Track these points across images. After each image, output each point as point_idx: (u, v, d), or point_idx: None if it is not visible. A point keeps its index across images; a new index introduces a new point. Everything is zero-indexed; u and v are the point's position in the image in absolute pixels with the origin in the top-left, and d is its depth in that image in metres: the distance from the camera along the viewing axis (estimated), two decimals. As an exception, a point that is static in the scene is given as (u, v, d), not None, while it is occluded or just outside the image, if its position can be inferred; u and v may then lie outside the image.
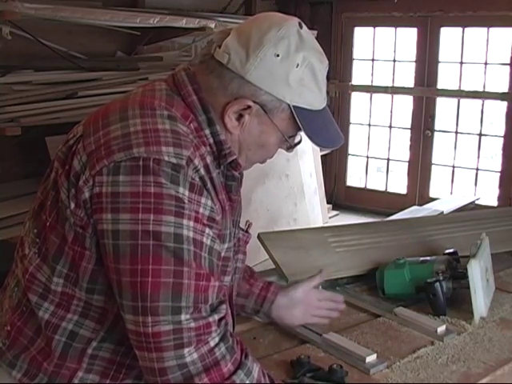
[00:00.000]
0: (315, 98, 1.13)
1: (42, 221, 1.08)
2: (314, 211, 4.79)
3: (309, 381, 1.34)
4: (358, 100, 5.39)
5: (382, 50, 5.20)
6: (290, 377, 1.36)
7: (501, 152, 4.70)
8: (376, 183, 5.46)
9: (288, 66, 1.07)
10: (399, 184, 5.28)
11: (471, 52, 4.75)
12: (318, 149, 4.93)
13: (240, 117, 1.10)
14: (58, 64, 3.51)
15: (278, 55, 1.06)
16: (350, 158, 5.49)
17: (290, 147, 1.19)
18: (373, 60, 5.24)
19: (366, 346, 1.50)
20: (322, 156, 5.02)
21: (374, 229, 2.21)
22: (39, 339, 1.09)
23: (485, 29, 4.58)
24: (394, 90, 5.09)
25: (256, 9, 4.97)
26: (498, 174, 4.69)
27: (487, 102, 4.70)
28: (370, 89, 5.28)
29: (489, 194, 4.72)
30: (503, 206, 4.53)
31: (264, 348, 1.53)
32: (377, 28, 5.15)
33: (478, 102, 4.73)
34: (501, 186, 4.67)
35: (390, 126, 5.22)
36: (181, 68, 1.15)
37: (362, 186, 5.48)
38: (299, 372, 1.36)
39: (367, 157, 5.39)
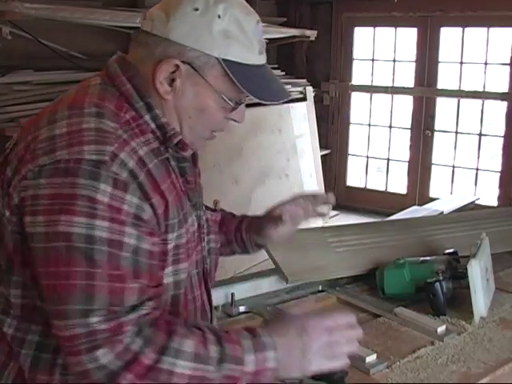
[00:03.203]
0: (247, 51, 1.08)
1: None
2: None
3: (309, 381, 1.34)
4: (357, 100, 5.39)
5: (382, 50, 5.20)
6: (290, 377, 1.36)
7: (501, 152, 4.70)
8: (376, 183, 5.46)
9: (209, 18, 1.04)
10: (399, 184, 5.28)
11: (471, 52, 4.75)
12: (318, 149, 4.94)
13: (172, 82, 1.06)
14: (58, 64, 3.51)
15: (196, 9, 1.04)
16: (349, 157, 5.49)
17: (233, 109, 1.13)
18: (373, 60, 5.24)
19: (366, 346, 1.50)
20: (322, 156, 5.02)
21: (374, 229, 2.21)
22: (11, 362, 1.06)
23: (485, 29, 4.58)
24: (393, 90, 5.09)
25: (256, 9, 4.96)
26: (498, 174, 4.70)
27: (487, 101, 4.70)
28: (370, 89, 5.28)
29: (489, 194, 4.72)
30: (503, 206, 4.53)
31: (264, 348, 1.52)
32: (377, 28, 5.16)
33: (478, 101, 4.73)
34: (501, 186, 4.67)
35: (390, 126, 5.22)
36: (113, 59, 1.13)
37: (362, 185, 5.48)
38: (299, 372, 1.35)
39: (367, 157, 5.40)
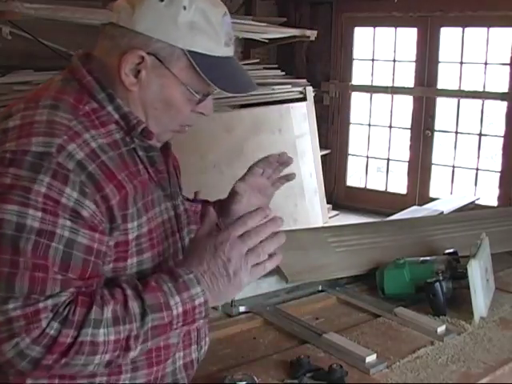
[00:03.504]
0: (213, 43, 1.07)
1: None
2: (314, 211, 4.79)
3: (309, 381, 1.34)
4: (357, 100, 5.39)
5: (382, 50, 5.20)
6: (290, 377, 1.36)
7: (501, 152, 4.71)
8: (376, 183, 5.46)
9: (174, 9, 1.04)
10: (399, 184, 5.28)
11: (471, 52, 4.75)
12: (318, 149, 4.94)
13: (137, 73, 1.06)
14: (58, 64, 3.50)
15: (162, 0, 1.04)
16: (350, 157, 5.50)
17: (200, 102, 1.12)
18: (373, 60, 5.24)
19: (366, 346, 1.50)
20: (322, 156, 5.02)
21: (374, 229, 2.21)
22: None
23: (485, 29, 4.58)
24: (393, 90, 5.10)
25: (256, 9, 4.97)
26: (498, 174, 4.70)
27: (487, 101, 4.70)
28: (370, 89, 5.28)
29: (489, 194, 4.72)
30: (503, 206, 4.53)
31: (264, 348, 1.53)
32: (377, 28, 5.16)
33: (478, 101, 4.73)
34: (501, 186, 4.67)
35: (390, 126, 5.22)
36: (75, 55, 1.13)
37: (362, 185, 5.48)
38: (299, 372, 1.36)
39: (367, 157, 5.40)
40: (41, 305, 0.94)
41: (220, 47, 1.09)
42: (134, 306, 0.99)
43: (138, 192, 1.07)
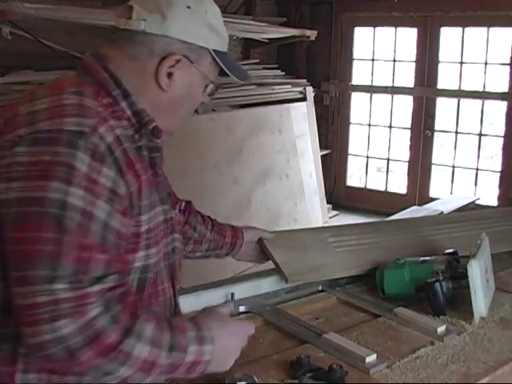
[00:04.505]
0: (223, 40, 1.22)
1: None
2: (314, 211, 4.79)
3: (309, 381, 1.34)
4: (358, 100, 5.39)
5: (382, 50, 5.20)
6: (290, 377, 1.36)
7: (501, 152, 4.71)
8: (376, 183, 5.46)
9: (200, 14, 1.16)
10: (399, 184, 5.28)
11: (471, 52, 4.75)
12: (318, 149, 4.94)
13: (170, 74, 1.15)
14: (58, 64, 3.51)
15: (189, 7, 1.15)
16: (350, 157, 5.50)
17: (212, 93, 1.25)
18: (373, 60, 5.24)
19: (366, 346, 1.50)
20: (322, 156, 5.02)
21: (373, 229, 2.21)
22: None
23: (485, 29, 4.58)
24: (393, 90, 5.10)
25: (256, 8, 4.97)
26: (498, 174, 4.70)
27: (487, 101, 4.70)
28: (370, 89, 5.28)
29: (489, 194, 4.72)
30: (503, 205, 4.53)
31: (264, 348, 1.53)
32: (377, 28, 5.16)
33: (478, 101, 4.73)
34: (501, 186, 4.67)
35: (390, 126, 5.22)
36: (87, 54, 1.18)
37: (362, 185, 5.48)
38: (299, 372, 1.36)
39: (367, 157, 5.40)
40: (88, 289, 0.94)
41: (225, 44, 1.23)
42: (167, 337, 1.02)
43: (148, 186, 1.11)
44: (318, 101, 5.08)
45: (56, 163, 0.95)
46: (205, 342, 1.07)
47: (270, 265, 1.87)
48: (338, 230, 2.15)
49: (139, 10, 1.13)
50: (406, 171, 5.15)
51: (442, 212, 3.75)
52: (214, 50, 1.18)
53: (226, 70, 1.21)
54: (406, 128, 5.14)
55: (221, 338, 1.10)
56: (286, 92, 4.77)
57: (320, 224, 4.52)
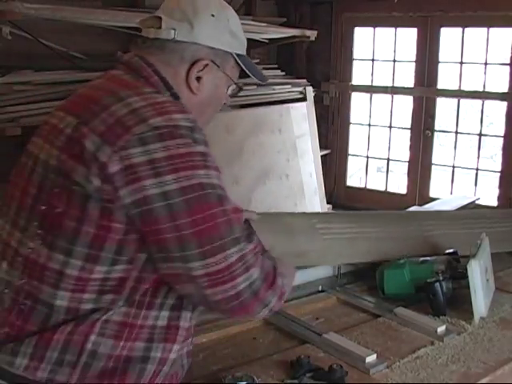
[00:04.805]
0: (242, 44, 1.35)
1: (42, 211, 1.12)
2: (314, 211, 4.79)
3: (309, 381, 1.34)
4: (358, 100, 5.39)
5: (382, 50, 5.20)
6: (290, 377, 1.36)
7: (501, 152, 4.70)
8: (376, 183, 5.45)
9: (223, 22, 1.29)
10: (399, 184, 5.28)
11: (471, 52, 4.75)
12: (318, 149, 4.93)
13: (198, 79, 1.27)
14: (58, 64, 3.50)
15: (213, 15, 1.28)
16: (350, 157, 5.49)
17: (235, 94, 1.39)
18: (373, 60, 5.23)
19: (366, 346, 1.50)
20: (322, 156, 5.02)
21: (364, 219, 2.18)
22: (47, 327, 1.10)
23: (485, 29, 4.57)
24: (393, 90, 5.09)
25: (256, 9, 4.97)
26: (498, 174, 4.69)
27: (487, 101, 4.69)
28: (370, 89, 5.28)
29: (489, 194, 4.72)
30: (503, 205, 4.53)
31: (264, 348, 1.53)
32: (377, 28, 5.15)
33: (478, 102, 4.72)
34: (501, 186, 4.66)
35: (390, 126, 5.22)
36: (130, 55, 1.27)
37: (362, 186, 5.48)
38: (299, 372, 1.36)
39: (367, 157, 5.39)
40: (255, 238, 1.19)
41: (244, 47, 1.37)
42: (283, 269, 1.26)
43: None
44: (317, 101, 5.07)
45: (191, 153, 1.10)
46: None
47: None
48: (327, 217, 2.12)
49: (168, 20, 1.25)
50: (406, 171, 5.15)
51: (442, 212, 3.74)
52: (236, 54, 1.32)
53: (248, 72, 1.35)
54: (405, 128, 5.14)
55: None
56: (286, 92, 4.77)
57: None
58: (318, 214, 2.34)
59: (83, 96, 1.23)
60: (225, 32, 1.29)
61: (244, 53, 1.35)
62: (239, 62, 1.33)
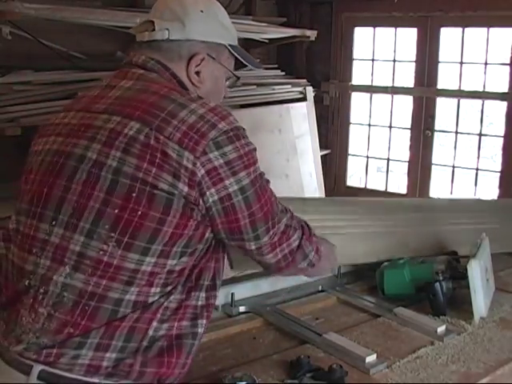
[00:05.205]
0: (234, 35, 1.42)
1: (115, 214, 1.15)
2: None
3: (309, 381, 1.34)
4: (357, 100, 5.39)
5: (382, 50, 5.20)
6: (290, 377, 1.36)
7: (501, 152, 4.70)
8: (376, 183, 5.45)
9: (212, 16, 1.36)
10: (399, 184, 5.28)
11: (471, 52, 4.75)
12: (318, 149, 4.93)
13: (198, 73, 1.35)
14: (58, 64, 3.50)
15: (202, 11, 1.35)
16: (350, 157, 5.49)
17: (232, 85, 1.46)
18: (373, 60, 5.23)
19: (366, 346, 1.50)
20: (322, 156, 5.02)
21: (355, 207, 2.03)
22: (113, 322, 1.15)
23: (485, 29, 4.57)
24: (393, 90, 5.09)
25: (256, 9, 4.97)
26: (498, 174, 4.69)
27: (487, 101, 4.69)
28: (370, 89, 5.28)
29: (489, 194, 4.72)
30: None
31: (264, 348, 1.53)
32: (377, 28, 5.15)
33: (478, 101, 4.72)
34: (501, 186, 4.67)
35: (390, 126, 5.22)
36: (143, 58, 1.33)
37: (362, 186, 5.48)
38: (299, 372, 1.36)
39: (367, 157, 5.39)
40: (287, 208, 1.37)
41: (236, 37, 1.43)
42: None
43: None
44: (317, 101, 5.07)
45: (251, 151, 1.25)
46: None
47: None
48: (314, 204, 1.95)
49: (160, 21, 1.32)
50: (406, 171, 5.15)
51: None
52: (229, 45, 1.39)
53: (242, 59, 1.42)
54: (405, 128, 5.14)
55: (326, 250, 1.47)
56: (286, 92, 4.77)
57: (320, 224, 4.50)
58: (307, 200, 2.11)
59: (126, 98, 1.24)
60: (215, 25, 1.36)
61: (236, 43, 1.42)
62: (233, 51, 1.40)
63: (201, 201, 1.18)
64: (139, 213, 1.14)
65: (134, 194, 1.15)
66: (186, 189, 1.16)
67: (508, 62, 4.52)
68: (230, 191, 1.20)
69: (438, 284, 1.67)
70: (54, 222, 1.18)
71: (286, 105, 4.66)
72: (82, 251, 1.16)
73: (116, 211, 1.15)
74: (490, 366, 1.45)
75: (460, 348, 1.52)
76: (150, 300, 1.18)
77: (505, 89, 4.55)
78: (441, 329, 1.59)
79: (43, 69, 3.43)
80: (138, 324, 1.17)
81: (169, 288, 1.20)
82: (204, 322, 1.27)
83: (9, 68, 3.30)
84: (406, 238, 1.98)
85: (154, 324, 1.18)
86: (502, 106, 4.62)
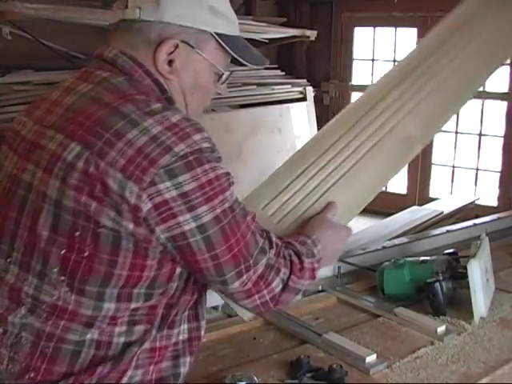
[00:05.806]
0: (229, 24, 1.16)
1: (61, 256, 1.01)
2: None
3: (309, 381, 1.34)
4: (357, 100, 5.39)
5: (382, 50, 5.20)
6: (290, 377, 1.36)
7: (501, 152, 4.70)
8: (376, 183, 5.45)
9: None
10: (399, 184, 5.28)
11: (471, 52, 4.74)
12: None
13: (170, 62, 1.10)
14: (58, 64, 3.51)
15: None
16: (349, 158, 5.49)
17: (225, 81, 1.21)
18: (373, 60, 5.24)
19: (366, 346, 1.50)
20: (321, 156, 5.01)
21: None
22: (77, 366, 1.04)
23: (485, 29, 4.57)
24: (393, 90, 5.09)
25: (256, 9, 4.97)
26: (498, 174, 4.70)
27: (487, 101, 4.70)
28: (370, 89, 5.28)
29: (489, 194, 4.72)
30: (503, 206, 4.53)
31: (264, 348, 1.53)
32: (377, 28, 5.16)
33: (478, 101, 4.73)
34: (501, 186, 4.67)
35: (390, 126, 5.22)
36: (114, 52, 1.13)
37: (362, 185, 5.47)
38: (299, 372, 1.36)
39: (367, 157, 5.39)
40: (273, 242, 1.14)
41: (235, 27, 1.18)
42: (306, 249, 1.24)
43: None
44: (317, 101, 5.07)
45: (218, 177, 1.02)
46: (316, 245, 1.25)
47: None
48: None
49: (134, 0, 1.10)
50: (406, 171, 5.15)
51: (442, 212, 3.75)
52: (219, 34, 1.13)
53: (232, 53, 1.15)
54: (405, 128, 5.13)
55: (325, 240, 1.28)
56: (286, 92, 4.77)
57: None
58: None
59: (75, 111, 1.06)
60: (200, 8, 1.11)
61: (234, 33, 1.17)
62: (221, 42, 1.13)
63: (153, 238, 0.99)
64: (86, 254, 0.99)
65: (77, 233, 0.99)
66: (131, 226, 0.97)
67: (508, 62, 4.52)
68: (185, 229, 0.99)
69: (437, 284, 1.66)
70: (9, 260, 1.06)
71: (285, 105, 4.66)
72: (35, 295, 1.03)
73: (63, 252, 1.00)
74: (490, 366, 1.45)
75: (460, 348, 1.52)
76: (116, 341, 1.04)
77: (505, 89, 4.56)
78: (441, 329, 1.58)
79: (43, 69, 3.43)
80: (110, 374, 1.03)
81: (139, 328, 1.06)
82: (187, 359, 1.13)
83: (9, 68, 3.30)
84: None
85: (129, 373, 1.04)
86: (502, 105, 4.62)
